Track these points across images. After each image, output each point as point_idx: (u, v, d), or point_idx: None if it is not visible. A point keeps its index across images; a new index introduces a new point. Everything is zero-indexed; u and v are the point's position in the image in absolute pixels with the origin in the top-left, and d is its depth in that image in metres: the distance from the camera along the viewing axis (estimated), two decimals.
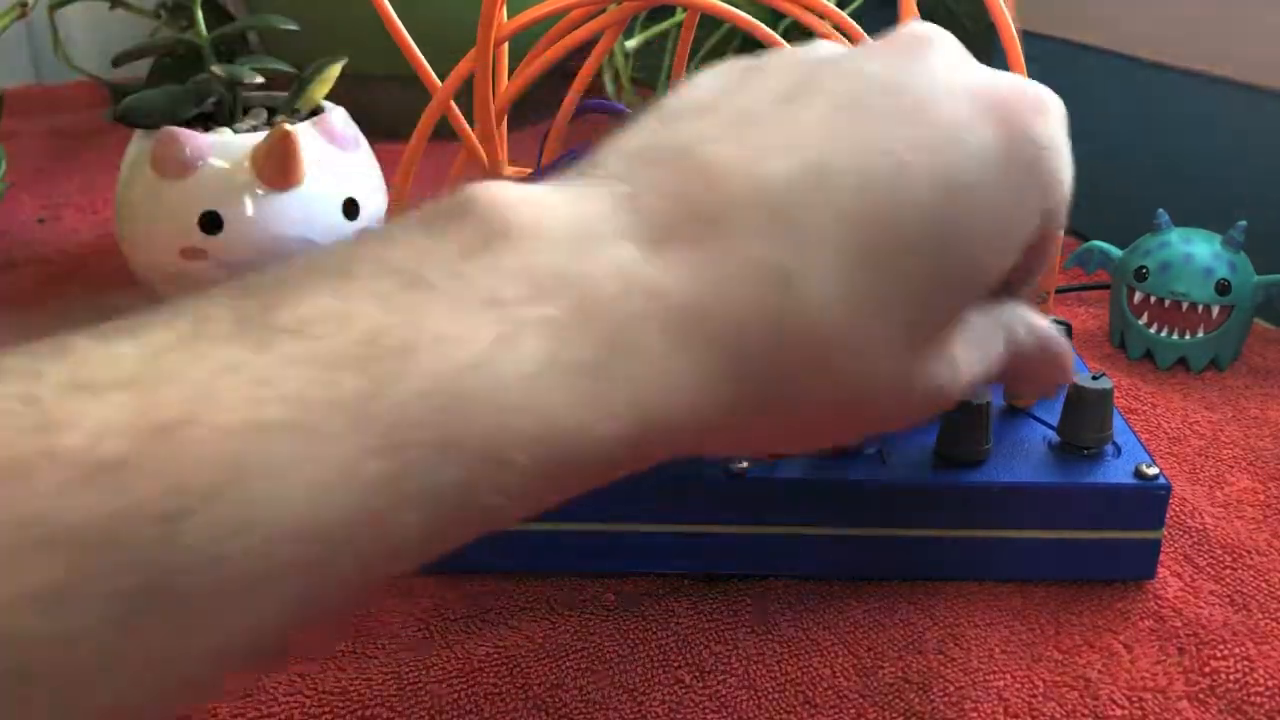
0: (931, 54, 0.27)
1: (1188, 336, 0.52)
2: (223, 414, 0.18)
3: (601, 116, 0.49)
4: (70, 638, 0.16)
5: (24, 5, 0.66)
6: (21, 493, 0.16)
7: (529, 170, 0.44)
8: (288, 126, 0.51)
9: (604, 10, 0.41)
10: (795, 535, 0.36)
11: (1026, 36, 0.37)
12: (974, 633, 0.35)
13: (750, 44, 0.33)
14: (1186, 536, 0.40)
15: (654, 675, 0.33)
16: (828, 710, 0.32)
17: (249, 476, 0.17)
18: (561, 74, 0.45)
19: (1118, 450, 0.37)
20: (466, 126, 0.43)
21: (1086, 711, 0.32)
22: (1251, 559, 0.39)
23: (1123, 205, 0.61)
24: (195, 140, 0.52)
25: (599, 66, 0.45)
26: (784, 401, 0.24)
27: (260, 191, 0.52)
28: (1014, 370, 0.30)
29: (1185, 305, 0.52)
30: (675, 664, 0.34)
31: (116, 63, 0.59)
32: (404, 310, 0.20)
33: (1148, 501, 0.36)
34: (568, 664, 0.34)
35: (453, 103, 0.42)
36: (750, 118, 0.25)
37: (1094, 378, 0.37)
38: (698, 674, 0.33)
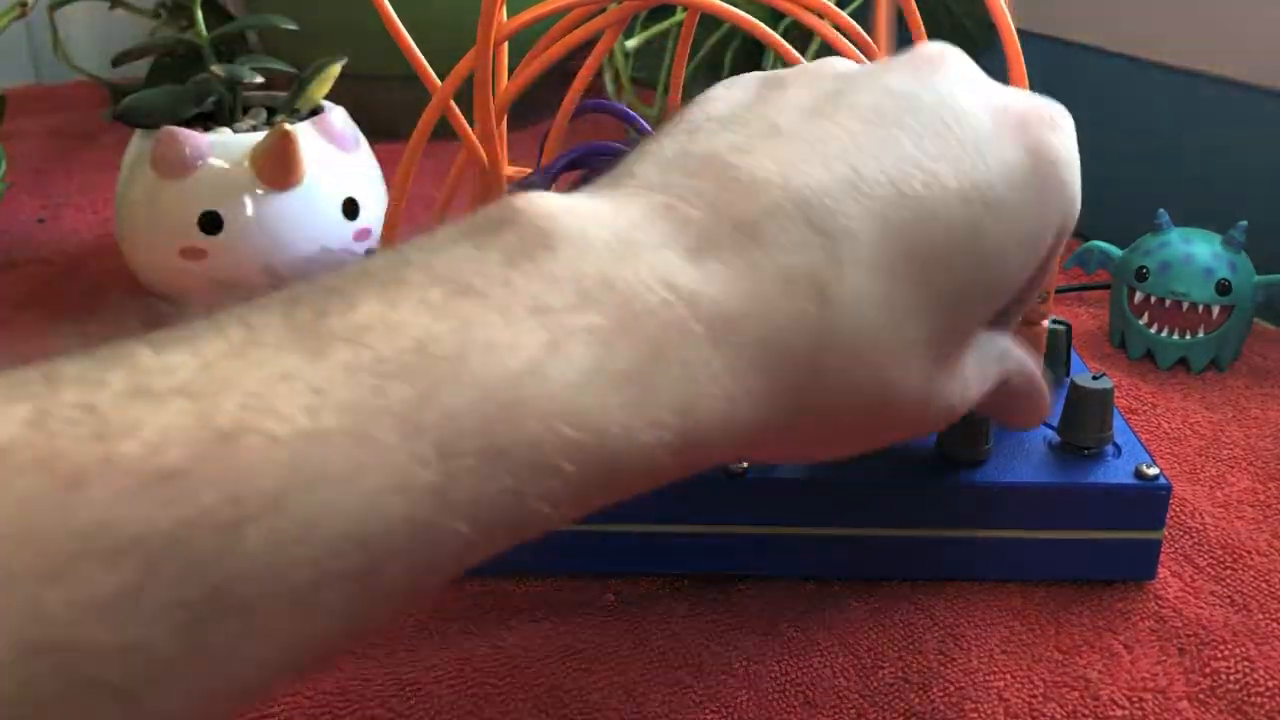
0: (948, 71, 0.28)
1: (1188, 336, 0.52)
2: (280, 422, 0.18)
3: (601, 116, 0.49)
4: (135, 647, 0.16)
5: (24, 5, 0.66)
6: (82, 501, 0.16)
7: (529, 170, 0.44)
8: (287, 126, 0.51)
9: (604, 10, 0.41)
10: (795, 535, 0.36)
11: (1026, 36, 0.37)
12: (974, 633, 0.35)
13: (750, 44, 0.33)
14: (1187, 537, 0.40)
15: (653, 675, 0.33)
16: (828, 710, 0.32)
17: (307, 485, 0.18)
18: (561, 74, 0.45)
19: (1118, 450, 0.37)
20: (466, 126, 0.43)
21: (1086, 712, 0.32)
22: (1252, 559, 0.39)
23: (1123, 205, 0.61)
24: (195, 140, 0.52)
25: (599, 66, 0.45)
26: (818, 409, 0.25)
27: (260, 191, 0.52)
28: (1001, 398, 0.30)
29: (1185, 305, 0.52)
30: (674, 664, 0.34)
31: (116, 63, 0.59)
32: (454, 318, 0.20)
33: (1148, 502, 0.36)
34: (567, 664, 0.34)
35: (453, 102, 0.42)
36: (779, 130, 0.25)
37: (1094, 378, 0.37)
38: (697, 674, 0.33)
